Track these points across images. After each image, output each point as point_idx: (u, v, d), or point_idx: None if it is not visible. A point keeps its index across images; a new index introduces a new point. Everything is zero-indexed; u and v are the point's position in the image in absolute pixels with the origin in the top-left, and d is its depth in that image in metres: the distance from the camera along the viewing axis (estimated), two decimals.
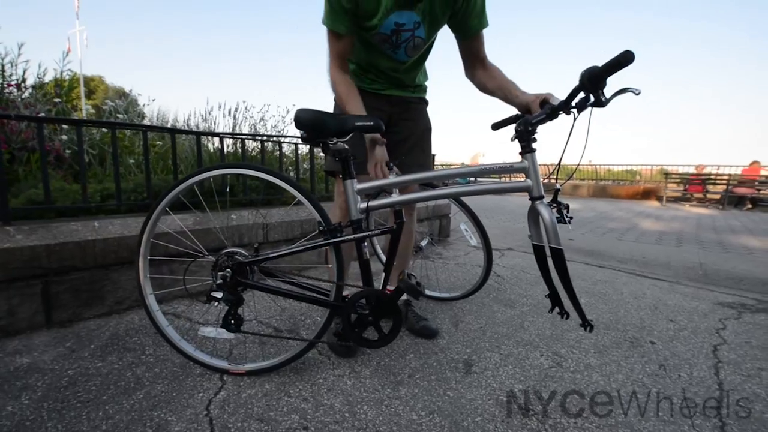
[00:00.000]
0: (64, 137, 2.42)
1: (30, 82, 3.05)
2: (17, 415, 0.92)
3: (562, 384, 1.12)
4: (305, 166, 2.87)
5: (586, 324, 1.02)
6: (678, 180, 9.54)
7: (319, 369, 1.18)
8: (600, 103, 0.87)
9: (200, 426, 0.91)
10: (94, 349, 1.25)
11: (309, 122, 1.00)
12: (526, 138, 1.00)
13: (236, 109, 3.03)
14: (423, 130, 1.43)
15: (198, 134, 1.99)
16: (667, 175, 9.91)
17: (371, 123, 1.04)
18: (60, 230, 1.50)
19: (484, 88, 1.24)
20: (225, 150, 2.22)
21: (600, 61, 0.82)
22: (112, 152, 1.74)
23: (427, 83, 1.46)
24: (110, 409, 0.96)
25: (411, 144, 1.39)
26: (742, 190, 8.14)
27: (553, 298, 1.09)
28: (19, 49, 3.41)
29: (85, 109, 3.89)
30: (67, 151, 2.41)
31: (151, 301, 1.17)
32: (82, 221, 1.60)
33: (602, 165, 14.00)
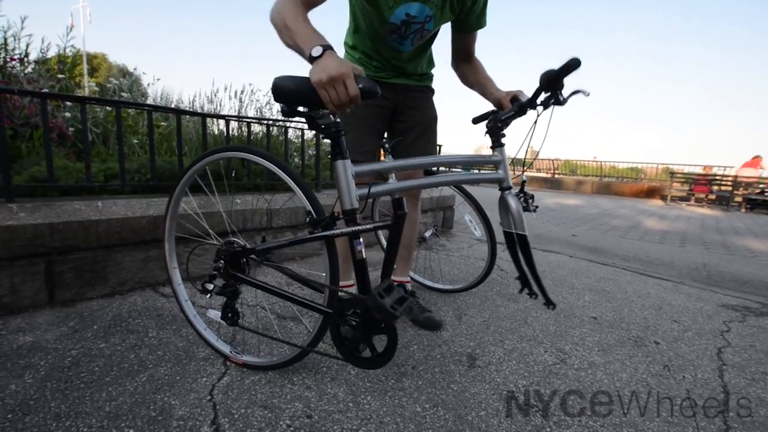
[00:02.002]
0: (68, 114, 2.39)
1: (33, 57, 2.99)
2: (20, 394, 0.92)
3: (566, 381, 1.11)
4: (310, 152, 2.84)
5: (549, 303, 1.15)
6: (683, 180, 9.47)
7: (323, 358, 1.17)
8: (558, 101, 0.99)
9: (204, 411, 0.91)
10: (97, 330, 1.25)
11: (290, 90, 0.80)
12: (496, 133, 1.13)
13: (242, 92, 2.98)
14: (429, 119, 1.41)
15: (203, 116, 1.95)
16: (672, 174, 9.83)
17: (364, 85, 0.78)
18: (63, 209, 1.48)
19: (465, 80, 1.34)
20: (230, 133, 2.19)
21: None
22: (117, 132, 1.71)
23: (433, 71, 1.43)
24: (113, 390, 0.96)
25: (417, 133, 1.37)
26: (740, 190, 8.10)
27: (522, 279, 1.19)
28: (22, 22, 3.34)
29: (88, 86, 3.83)
30: (71, 129, 2.38)
31: (175, 274, 1.24)
32: (86, 201, 1.59)
33: (607, 162, 13.90)
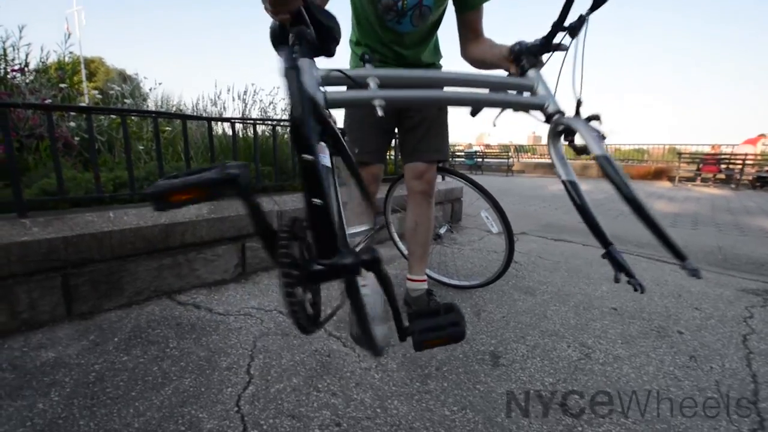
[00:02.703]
0: (72, 124, 2.37)
1: (32, 65, 2.97)
2: (49, 413, 0.92)
3: (592, 377, 1.10)
4: None
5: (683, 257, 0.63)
6: (690, 160, 9.34)
7: (345, 362, 1.17)
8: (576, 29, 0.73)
9: (232, 423, 0.91)
10: (117, 342, 1.25)
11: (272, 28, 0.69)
12: (532, 52, 0.81)
13: (245, 93, 2.95)
14: (437, 113, 1.36)
15: (209, 120, 1.93)
16: (680, 154, 9.69)
17: None
18: (76, 222, 1.47)
19: (480, 63, 1.14)
20: (236, 135, 2.17)
21: None
22: (124, 140, 1.69)
23: (441, 62, 1.39)
24: (140, 405, 0.95)
25: (425, 128, 1.34)
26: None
27: (612, 260, 0.75)
28: (21, 31, 3.31)
29: (87, 93, 3.81)
30: (76, 138, 2.37)
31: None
32: (97, 212, 1.58)
33: (610, 144, 13.73)
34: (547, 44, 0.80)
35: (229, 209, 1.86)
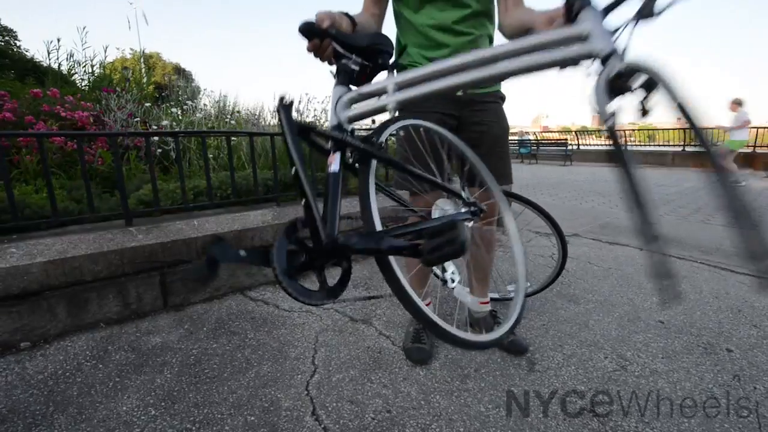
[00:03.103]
0: (156, 138, 2.75)
1: (96, 61, 3.45)
2: (165, 386, 1.19)
3: (625, 388, 1.16)
4: None
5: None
6: None
7: (394, 359, 1.33)
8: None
9: (304, 404, 1.11)
10: (207, 332, 1.51)
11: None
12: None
13: (300, 102, 3.19)
14: (499, 134, 1.29)
15: (272, 135, 2.17)
16: None
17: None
18: (169, 229, 1.77)
19: (519, 26, 1.04)
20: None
21: None
22: (203, 158, 1.97)
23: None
24: (232, 385, 1.19)
25: (486, 150, 1.23)
26: None
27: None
28: (105, 51, 3.82)
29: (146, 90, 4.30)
30: (159, 151, 2.75)
31: None
32: (184, 220, 1.87)
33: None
34: None
35: (290, 215, 2.09)
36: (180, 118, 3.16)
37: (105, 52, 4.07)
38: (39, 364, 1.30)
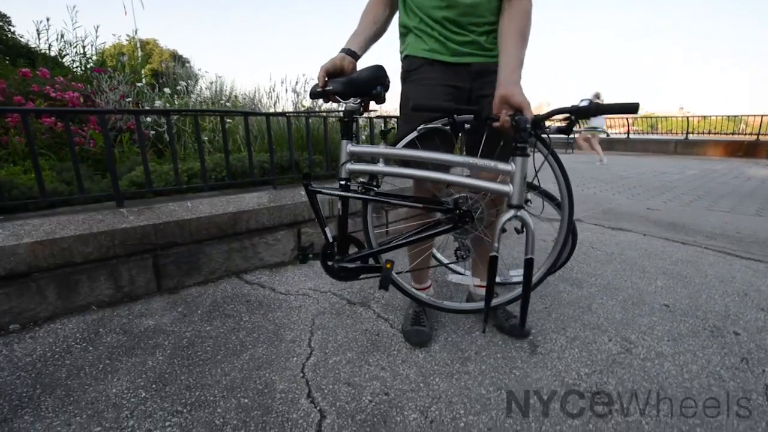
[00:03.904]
0: (148, 119, 2.67)
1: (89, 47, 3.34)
2: (157, 369, 1.15)
3: (630, 371, 1.13)
4: (363, 136, 2.92)
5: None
6: None
7: (392, 342, 1.29)
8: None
9: (299, 386, 1.08)
10: (201, 315, 1.48)
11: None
12: (525, 138, 0.91)
13: (297, 83, 3.11)
14: None
15: (267, 115, 2.10)
16: None
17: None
18: (162, 211, 1.72)
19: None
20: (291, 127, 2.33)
21: None
22: (197, 138, 1.91)
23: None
24: (226, 367, 1.16)
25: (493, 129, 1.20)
26: None
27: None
28: (96, 31, 3.71)
29: (144, 79, 4.21)
30: (152, 132, 2.68)
31: None
32: (177, 201, 1.82)
33: (695, 116, 11.96)
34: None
35: (286, 198, 2.04)
36: (173, 99, 3.07)
37: (96, 31, 3.96)
38: (27, 347, 1.26)
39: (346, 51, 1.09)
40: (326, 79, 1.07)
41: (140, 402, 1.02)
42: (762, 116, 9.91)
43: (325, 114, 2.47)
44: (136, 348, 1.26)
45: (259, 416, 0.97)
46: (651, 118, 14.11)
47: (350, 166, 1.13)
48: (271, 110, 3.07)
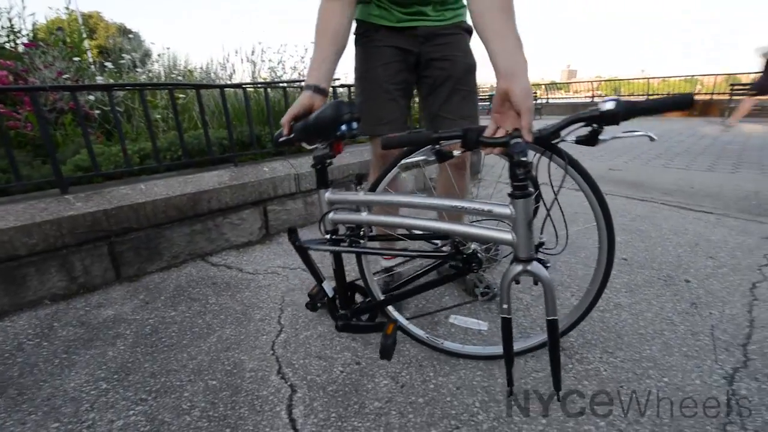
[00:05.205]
0: (92, 97, 2.45)
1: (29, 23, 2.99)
2: (119, 359, 1.10)
3: (590, 323, 1.18)
4: None
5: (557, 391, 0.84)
6: (745, 91, 8.42)
7: None
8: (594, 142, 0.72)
9: (269, 363, 1.06)
10: (165, 300, 1.42)
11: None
12: (523, 175, 0.70)
13: (253, 53, 2.91)
14: (463, 70, 1.15)
15: (221, 87, 1.97)
16: (732, 86, 8.71)
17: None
18: (113, 195, 1.61)
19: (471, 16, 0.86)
20: (248, 100, 2.20)
21: None
22: (144, 115, 1.77)
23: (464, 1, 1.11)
24: (192, 351, 1.12)
25: (448, 91, 1.15)
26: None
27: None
28: (23, 1, 3.31)
29: (91, 57, 3.84)
30: (97, 111, 2.46)
31: None
32: (130, 184, 1.70)
33: (655, 78, 12.49)
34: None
35: (249, 175, 1.95)
36: (119, 75, 2.82)
37: (23, 2, 3.52)
38: None
39: (314, 89, 0.91)
40: (292, 124, 0.92)
41: (101, 394, 0.98)
42: (716, 76, 10.45)
43: (285, 85, 2.34)
44: (95, 339, 1.20)
45: (227, 396, 0.95)
46: (614, 81, 14.52)
47: (333, 216, 0.99)
48: (228, 83, 2.88)
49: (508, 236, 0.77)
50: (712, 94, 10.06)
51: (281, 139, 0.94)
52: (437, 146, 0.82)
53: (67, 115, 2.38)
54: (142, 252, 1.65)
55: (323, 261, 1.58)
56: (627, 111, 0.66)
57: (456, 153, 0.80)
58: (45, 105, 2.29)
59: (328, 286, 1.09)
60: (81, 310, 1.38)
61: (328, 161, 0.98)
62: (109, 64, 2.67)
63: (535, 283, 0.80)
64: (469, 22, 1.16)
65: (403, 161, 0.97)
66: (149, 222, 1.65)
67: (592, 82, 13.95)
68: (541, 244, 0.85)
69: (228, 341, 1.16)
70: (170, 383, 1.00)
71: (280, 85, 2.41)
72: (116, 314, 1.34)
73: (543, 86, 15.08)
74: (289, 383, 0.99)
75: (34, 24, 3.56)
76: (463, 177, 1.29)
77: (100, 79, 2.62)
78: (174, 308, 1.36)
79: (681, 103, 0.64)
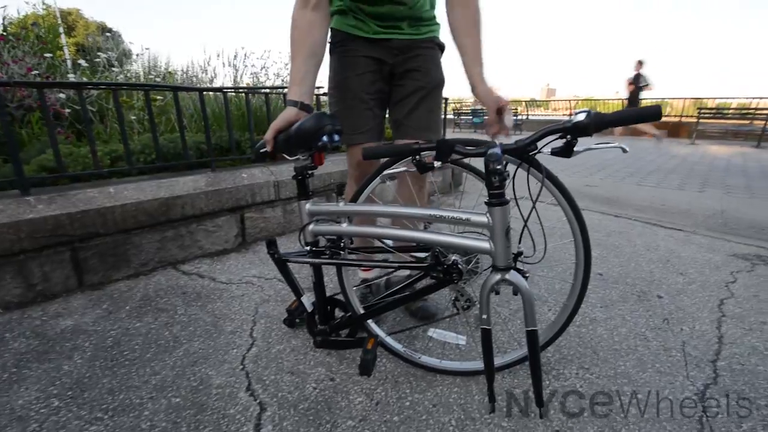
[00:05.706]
0: (62, 95, 2.35)
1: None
2: (75, 373, 1.03)
3: (566, 338, 1.18)
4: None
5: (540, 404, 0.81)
6: (711, 115, 8.92)
7: None
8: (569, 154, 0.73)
9: (238, 379, 1.01)
10: (129, 310, 1.34)
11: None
12: (499, 183, 0.71)
13: (236, 57, 2.86)
14: (433, 85, 1.18)
15: (200, 90, 1.92)
16: (700, 109, 9.26)
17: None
18: (78, 198, 1.53)
19: (453, 33, 1.01)
20: (228, 105, 2.15)
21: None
22: (117, 115, 1.70)
23: (436, 16, 1.16)
24: (156, 365, 1.06)
25: (416, 101, 1.16)
26: None
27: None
28: None
29: (69, 55, 3.71)
30: (68, 110, 2.36)
31: None
32: (98, 187, 1.62)
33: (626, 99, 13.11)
34: None
35: (226, 181, 1.89)
36: (94, 74, 2.72)
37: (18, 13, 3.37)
38: None
39: (299, 105, 0.93)
40: (275, 137, 0.93)
41: (52, 412, 0.90)
42: (684, 99, 11.10)
43: (267, 90, 2.30)
44: (50, 352, 1.12)
45: (191, 415, 0.90)
46: (590, 100, 15.16)
47: (313, 227, 0.99)
48: (208, 86, 2.82)
49: (485, 245, 0.78)
50: (681, 116, 10.66)
51: (262, 150, 0.95)
52: (417, 157, 0.82)
53: (35, 113, 2.27)
54: (108, 259, 1.56)
55: (300, 272, 1.54)
56: (598, 122, 0.67)
57: (437, 165, 0.80)
58: (12, 101, 2.17)
59: (308, 301, 1.07)
60: (37, 320, 1.29)
61: (309, 172, 0.98)
62: (82, 62, 2.57)
63: (515, 294, 0.78)
64: (442, 38, 1.23)
65: (386, 171, 0.98)
66: (117, 227, 1.57)
67: (569, 100, 14.55)
68: (520, 253, 0.84)
69: (195, 355, 1.11)
70: (129, 401, 0.94)
71: (263, 91, 2.38)
72: (75, 325, 1.26)
73: (523, 102, 15.61)
74: (258, 401, 0.94)
75: (5, 17, 3.42)
76: (422, 189, 1.28)
77: (72, 77, 2.52)
78: (139, 319, 1.29)
79: (649, 115, 0.66)
